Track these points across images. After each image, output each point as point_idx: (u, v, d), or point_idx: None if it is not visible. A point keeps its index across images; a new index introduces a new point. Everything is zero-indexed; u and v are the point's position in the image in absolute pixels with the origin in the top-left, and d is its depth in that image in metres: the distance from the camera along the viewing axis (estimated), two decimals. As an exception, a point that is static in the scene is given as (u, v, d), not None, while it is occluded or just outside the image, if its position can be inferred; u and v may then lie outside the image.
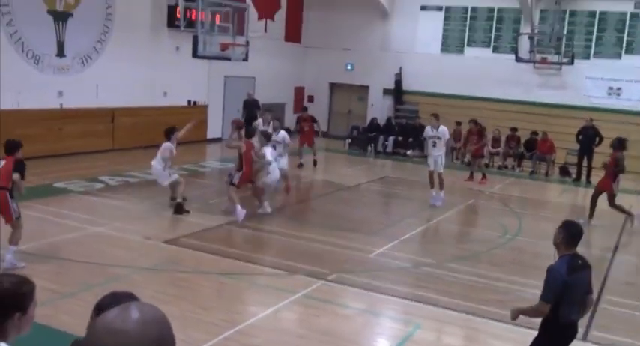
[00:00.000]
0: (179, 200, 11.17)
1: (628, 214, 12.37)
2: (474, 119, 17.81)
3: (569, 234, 4.78)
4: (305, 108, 18.77)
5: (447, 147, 14.50)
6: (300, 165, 16.48)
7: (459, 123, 20.69)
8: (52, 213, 10.39)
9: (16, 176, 7.73)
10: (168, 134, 11.41)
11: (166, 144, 11.31)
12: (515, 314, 5.03)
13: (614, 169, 12.23)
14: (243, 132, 12.04)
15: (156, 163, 11.33)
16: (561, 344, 4.85)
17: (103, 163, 15.40)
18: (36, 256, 8.18)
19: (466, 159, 19.31)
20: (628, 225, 12.24)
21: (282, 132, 13.34)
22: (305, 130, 17.32)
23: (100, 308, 2.56)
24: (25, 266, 7.64)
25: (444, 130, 13.32)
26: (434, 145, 13.29)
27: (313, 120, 17.71)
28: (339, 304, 7.49)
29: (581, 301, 4.86)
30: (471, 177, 16.88)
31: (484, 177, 16.76)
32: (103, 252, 8.66)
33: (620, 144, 12.46)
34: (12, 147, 8.04)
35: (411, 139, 21.70)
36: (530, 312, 4.96)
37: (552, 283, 4.67)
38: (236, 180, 10.96)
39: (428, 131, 13.43)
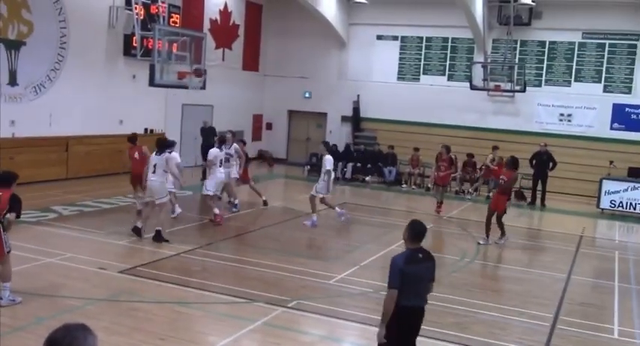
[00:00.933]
0: (158, 228, 11.02)
1: (503, 233, 12.85)
2: (447, 145, 16.84)
3: (413, 231, 5.46)
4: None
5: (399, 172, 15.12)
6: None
7: (416, 149, 21.02)
8: (2, 245, 10.05)
9: (11, 216, 7.55)
10: (171, 145, 11.70)
11: (175, 155, 11.58)
12: (380, 334, 5.37)
13: (507, 187, 12.93)
14: None
15: (156, 177, 11.14)
16: (405, 327, 5.43)
17: (56, 192, 15.06)
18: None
19: (430, 185, 19.00)
20: (498, 240, 12.69)
21: (235, 145, 14.29)
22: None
23: (53, 342, 2.43)
24: (22, 301, 7.53)
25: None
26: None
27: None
28: (299, 331, 7.41)
29: (423, 289, 5.49)
30: (440, 206, 16.07)
31: (440, 204, 16.22)
32: (56, 283, 8.42)
33: (514, 163, 13.03)
34: (9, 179, 7.80)
35: (369, 165, 21.88)
36: (385, 308, 5.32)
37: (392, 271, 5.34)
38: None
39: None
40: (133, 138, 13.53)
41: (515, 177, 13.21)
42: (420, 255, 5.48)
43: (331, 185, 13.99)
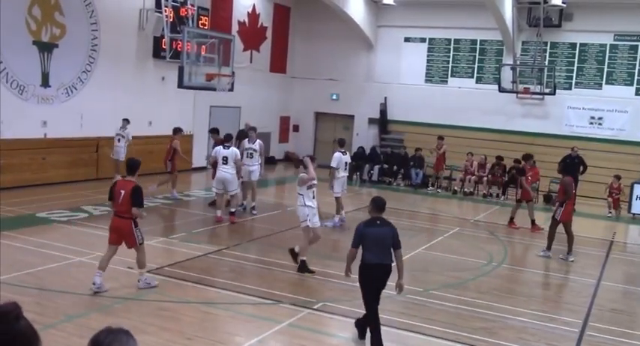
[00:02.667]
0: (303, 258, 9.83)
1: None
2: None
3: (374, 204, 6.95)
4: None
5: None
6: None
7: (470, 154, 20.86)
8: (34, 243, 10.25)
9: (135, 211, 8.12)
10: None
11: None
12: (346, 271, 7.19)
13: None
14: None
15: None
16: (369, 281, 6.85)
17: (87, 193, 15.28)
18: (17, 287, 8.03)
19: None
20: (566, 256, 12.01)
21: (259, 141, 14.48)
22: None
23: (95, 344, 2.50)
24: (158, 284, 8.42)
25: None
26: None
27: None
28: (324, 333, 7.41)
29: (383, 249, 6.74)
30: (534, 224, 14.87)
31: (533, 224, 14.84)
32: (86, 282, 8.52)
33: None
34: (134, 166, 8.49)
35: (395, 168, 21.79)
36: (346, 261, 7.10)
37: (355, 234, 6.87)
38: None
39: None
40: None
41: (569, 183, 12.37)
42: (379, 222, 6.86)
43: (338, 184, 13.60)
